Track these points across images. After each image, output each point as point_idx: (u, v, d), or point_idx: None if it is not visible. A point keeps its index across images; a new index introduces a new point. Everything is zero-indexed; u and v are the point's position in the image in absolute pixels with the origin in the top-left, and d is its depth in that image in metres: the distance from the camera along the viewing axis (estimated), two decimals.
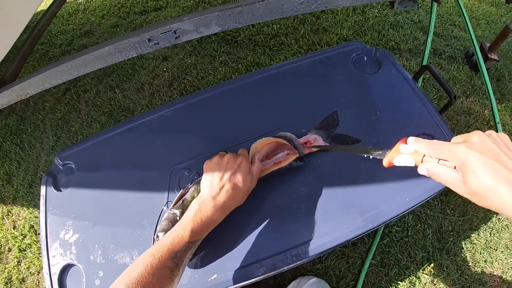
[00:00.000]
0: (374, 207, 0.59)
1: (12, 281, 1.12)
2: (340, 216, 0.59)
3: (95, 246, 0.66)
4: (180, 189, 0.62)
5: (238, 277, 0.56)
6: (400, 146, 0.43)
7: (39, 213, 1.29)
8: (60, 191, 0.76)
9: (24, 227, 1.25)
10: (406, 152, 0.42)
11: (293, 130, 0.68)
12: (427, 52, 1.00)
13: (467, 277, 0.96)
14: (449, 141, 0.39)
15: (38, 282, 1.12)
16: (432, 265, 0.99)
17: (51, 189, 0.76)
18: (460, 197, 1.08)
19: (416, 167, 0.41)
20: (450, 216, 1.06)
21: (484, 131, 0.36)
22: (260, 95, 0.77)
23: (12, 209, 1.30)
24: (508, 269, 0.98)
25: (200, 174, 0.65)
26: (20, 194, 1.33)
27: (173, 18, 0.84)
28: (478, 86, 1.35)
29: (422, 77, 1.18)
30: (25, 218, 1.27)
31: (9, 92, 0.92)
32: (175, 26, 0.82)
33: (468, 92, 1.34)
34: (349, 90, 0.75)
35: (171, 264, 0.45)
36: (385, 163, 0.44)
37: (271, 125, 0.71)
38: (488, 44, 1.35)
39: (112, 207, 0.70)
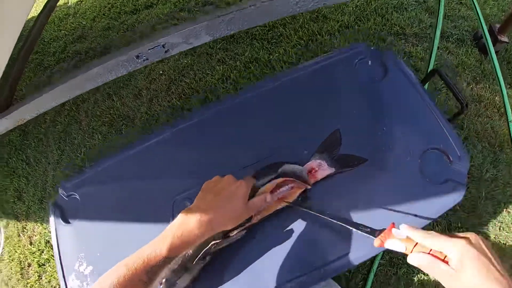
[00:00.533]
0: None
1: None
2: (348, 241, 0.58)
3: None
4: None
5: None
6: (393, 230, 0.44)
7: None
8: (69, 223, 0.76)
9: (40, 242, 1.28)
10: (398, 237, 0.43)
11: (294, 152, 0.65)
12: (434, 52, 0.95)
13: None
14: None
15: None
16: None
17: (60, 221, 0.76)
18: (470, 192, 1.07)
19: (406, 254, 0.41)
20: (459, 212, 1.05)
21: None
22: (257, 114, 0.74)
23: (26, 225, 1.34)
24: None
25: None
26: (32, 210, 1.36)
27: (160, 31, 0.81)
28: (488, 70, 1.30)
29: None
30: (40, 233, 1.31)
31: (5, 121, 0.92)
32: (163, 40, 0.79)
33: (478, 78, 1.29)
34: (353, 101, 0.71)
35: (145, 278, 0.43)
36: (376, 243, 0.45)
37: (271, 148, 0.68)
38: (497, 26, 1.27)
39: (120, 237, 0.70)
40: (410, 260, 0.40)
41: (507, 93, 1.11)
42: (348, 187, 0.62)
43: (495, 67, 1.05)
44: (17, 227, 1.35)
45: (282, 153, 0.67)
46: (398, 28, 1.44)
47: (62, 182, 0.80)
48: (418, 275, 1.00)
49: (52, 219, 0.77)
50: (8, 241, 1.43)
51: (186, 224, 0.46)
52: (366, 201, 0.60)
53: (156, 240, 0.46)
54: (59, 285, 1.19)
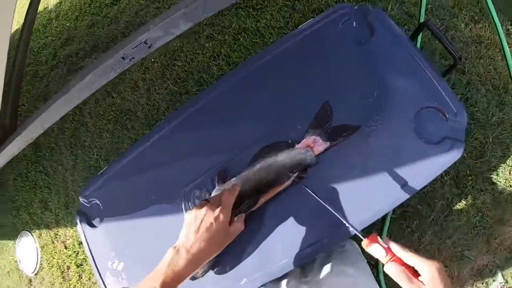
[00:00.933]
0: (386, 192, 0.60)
1: None
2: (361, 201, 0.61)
3: (141, 269, 0.73)
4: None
5: (267, 276, 0.61)
6: (378, 237, 0.49)
7: None
8: (95, 227, 0.82)
9: (74, 245, 1.38)
10: (381, 245, 0.48)
11: (288, 128, 0.66)
12: (423, 3, 0.90)
13: (488, 219, 0.99)
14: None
15: None
16: (452, 212, 1.03)
17: (87, 227, 0.82)
18: (476, 139, 1.06)
19: (383, 263, 0.48)
20: (467, 160, 1.05)
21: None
22: (248, 93, 0.72)
23: (58, 231, 1.42)
24: None
25: (209, 192, 0.68)
26: (60, 216, 1.44)
27: (139, 28, 0.80)
28: (486, 8, 1.22)
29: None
30: (72, 236, 1.40)
31: (15, 143, 0.96)
32: (144, 37, 0.78)
33: (476, 18, 1.22)
34: (341, 68, 0.68)
35: None
36: (364, 244, 0.50)
37: (265, 126, 0.68)
38: None
39: (142, 232, 0.75)
40: (386, 269, 0.46)
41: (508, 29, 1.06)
42: (344, 157, 0.63)
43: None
44: (49, 235, 1.44)
45: (276, 131, 0.67)
46: None
47: (81, 190, 0.84)
48: (432, 227, 1.04)
49: (79, 226, 0.82)
50: (44, 249, 1.55)
51: (175, 262, 0.51)
52: (363, 170, 0.61)
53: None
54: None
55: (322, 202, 0.57)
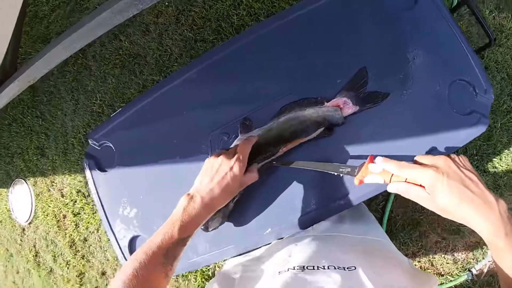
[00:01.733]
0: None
1: (75, 243, 1.28)
2: None
3: (155, 216, 0.72)
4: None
5: (290, 228, 0.63)
6: (369, 165, 0.47)
7: (82, 178, 1.40)
8: (106, 171, 0.79)
9: (71, 193, 1.36)
10: (374, 171, 0.46)
11: (320, 86, 0.65)
12: None
13: None
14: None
15: (100, 238, 1.28)
16: None
17: (96, 172, 0.79)
18: None
19: (385, 184, 0.45)
20: (475, 141, 1.08)
21: (447, 155, 0.42)
22: (286, 43, 0.70)
23: (54, 179, 1.40)
24: None
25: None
26: (57, 164, 1.41)
27: None
28: None
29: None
30: (70, 184, 1.38)
31: (16, 83, 0.90)
32: None
33: (501, 6, 1.21)
34: (381, 35, 0.66)
35: (163, 260, 0.49)
36: (356, 182, 0.48)
37: (298, 81, 0.67)
38: None
39: (161, 178, 0.73)
40: (390, 189, 0.45)
41: None
42: (375, 120, 0.63)
43: None
44: (45, 183, 1.41)
45: (308, 88, 0.66)
46: None
47: (90, 133, 0.81)
48: None
49: (87, 170, 0.79)
50: (39, 198, 1.51)
51: (190, 208, 0.53)
52: (392, 134, 0.62)
53: (165, 226, 0.52)
54: (97, 230, 1.31)
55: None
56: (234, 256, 0.69)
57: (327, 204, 0.62)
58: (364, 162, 0.49)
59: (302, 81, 0.67)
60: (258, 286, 0.50)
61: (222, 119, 0.70)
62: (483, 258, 1.05)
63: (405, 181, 0.43)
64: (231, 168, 0.56)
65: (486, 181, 1.06)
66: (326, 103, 0.64)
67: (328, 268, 0.49)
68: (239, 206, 0.65)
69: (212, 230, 0.64)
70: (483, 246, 1.06)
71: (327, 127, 0.63)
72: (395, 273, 0.51)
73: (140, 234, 0.73)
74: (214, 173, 0.56)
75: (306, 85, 0.66)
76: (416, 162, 0.45)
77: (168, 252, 0.49)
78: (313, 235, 0.63)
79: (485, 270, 1.05)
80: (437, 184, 0.39)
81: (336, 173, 0.55)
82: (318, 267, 0.50)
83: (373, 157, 0.48)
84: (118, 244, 0.75)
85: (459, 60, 0.64)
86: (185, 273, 1.34)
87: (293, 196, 0.64)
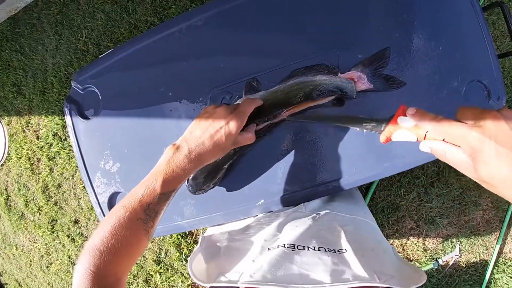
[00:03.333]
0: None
1: (48, 188, 1.22)
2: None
3: (140, 173, 0.67)
4: None
5: (282, 202, 0.62)
6: (399, 119, 0.38)
7: (60, 120, 1.31)
8: (88, 118, 0.72)
9: (47, 135, 1.28)
10: (405, 126, 0.38)
11: (340, 56, 0.60)
12: None
13: (465, 196, 1.07)
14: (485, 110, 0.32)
15: (74, 185, 1.23)
16: (439, 180, 1.09)
17: (78, 119, 0.72)
18: None
19: (418, 142, 0.37)
20: None
21: (498, 110, 0.32)
22: (307, 5, 0.63)
23: (30, 119, 1.30)
24: (500, 198, 1.08)
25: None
26: (34, 103, 1.31)
27: None
28: None
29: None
30: (46, 126, 1.29)
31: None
32: None
33: None
34: (410, 22, 0.62)
35: (144, 217, 0.45)
36: (382, 139, 0.40)
37: (314, 47, 0.62)
38: None
39: (150, 132, 0.68)
40: (422, 147, 0.37)
41: None
42: (386, 104, 0.61)
43: None
44: (20, 123, 1.31)
45: (324, 55, 0.61)
46: None
47: (75, 74, 0.72)
48: (418, 188, 1.10)
49: (67, 115, 0.72)
50: (13, 138, 1.42)
51: (175, 160, 0.47)
52: None
53: (147, 179, 0.47)
54: (72, 176, 1.25)
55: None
56: (219, 224, 0.67)
57: (328, 181, 0.60)
58: (392, 116, 0.40)
59: (324, 47, 0.61)
60: (246, 259, 0.49)
61: (226, 76, 0.63)
62: (451, 251, 1.11)
63: (443, 140, 0.35)
64: (228, 123, 0.50)
65: (469, 179, 1.08)
66: (340, 74, 0.61)
67: (319, 250, 0.48)
68: (232, 171, 0.62)
69: (200, 193, 0.61)
70: (453, 240, 1.12)
71: (338, 97, 0.60)
72: (383, 259, 0.51)
73: (122, 191, 0.69)
74: (208, 125, 0.50)
75: (327, 51, 0.61)
76: (458, 115, 0.35)
77: (149, 208, 0.45)
78: (303, 212, 0.62)
79: (450, 263, 1.11)
80: (483, 151, 0.31)
81: (358, 129, 0.48)
82: (308, 247, 0.48)
83: (405, 108, 0.38)
84: (97, 200, 0.70)
85: (482, 61, 0.62)
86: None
87: (292, 169, 0.61)
